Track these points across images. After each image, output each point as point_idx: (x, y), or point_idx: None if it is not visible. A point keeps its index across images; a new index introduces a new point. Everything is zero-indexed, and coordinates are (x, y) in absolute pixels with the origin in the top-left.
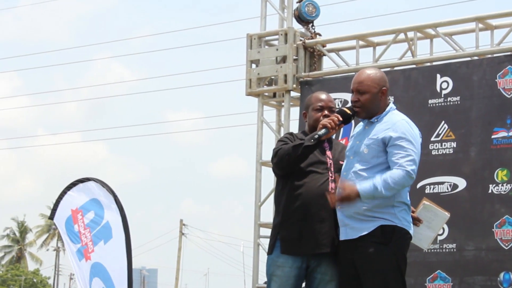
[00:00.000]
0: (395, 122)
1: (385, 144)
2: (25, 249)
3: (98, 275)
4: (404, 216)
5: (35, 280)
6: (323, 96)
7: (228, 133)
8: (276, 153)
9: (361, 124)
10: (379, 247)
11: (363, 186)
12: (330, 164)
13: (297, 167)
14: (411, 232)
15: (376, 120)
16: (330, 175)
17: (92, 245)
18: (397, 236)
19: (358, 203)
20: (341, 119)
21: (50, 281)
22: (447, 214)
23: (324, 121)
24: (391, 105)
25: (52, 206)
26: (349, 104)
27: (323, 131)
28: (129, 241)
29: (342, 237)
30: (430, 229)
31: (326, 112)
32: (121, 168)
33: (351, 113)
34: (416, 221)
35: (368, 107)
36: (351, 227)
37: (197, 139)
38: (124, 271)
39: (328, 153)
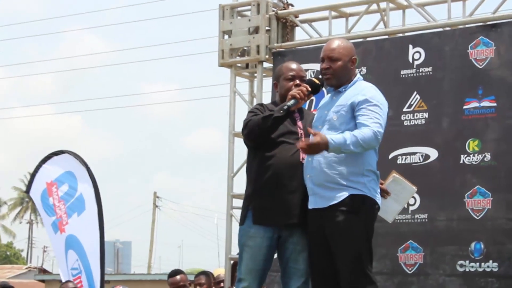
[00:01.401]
0: (362, 88)
1: (353, 110)
2: None
3: (72, 247)
4: (373, 186)
5: (8, 253)
6: (293, 65)
7: (202, 105)
8: (246, 124)
9: (327, 97)
10: (349, 216)
11: (333, 136)
12: (301, 134)
13: (268, 138)
14: (379, 202)
15: (344, 89)
16: None
17: (67, 218)
18: (366, 206)
19: (329, 170)
20: (309, 89)
21: (24, 254)
22: (414, 188)
23: (293, 91)
24: (358, 75)
25: (25, 179)
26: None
27: (292, 101)
28: (101, 213)
29: (311, 205)
30: (397, 202)
31: (297, 81)
32: (96, 140)
33: (319, 83)
34: (384, 193)
35: (339, 74)
36: (321, 196)
37: (171, 111)
38: (97, 243)
39: (299, 123)
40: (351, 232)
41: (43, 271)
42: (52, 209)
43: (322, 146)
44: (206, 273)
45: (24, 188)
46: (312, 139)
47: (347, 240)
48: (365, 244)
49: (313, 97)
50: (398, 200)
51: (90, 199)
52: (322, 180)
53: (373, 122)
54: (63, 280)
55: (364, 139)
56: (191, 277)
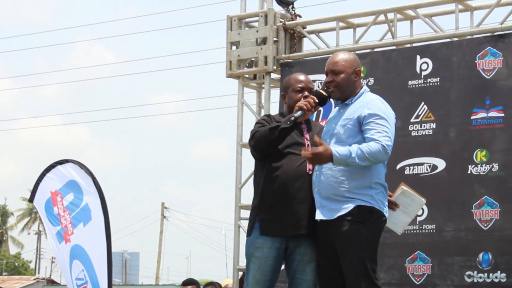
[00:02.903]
0: (369, 101)
1: (360, 123)
2: (6, 233)
3: (77, 257)
4: (381, 199)
5: (16, 264)
6: (302, 77)
7: (210, 115)
8: (253, 135)
9: (335, 110)
10: (356, 225)
11: (338, 149)
12: (308, 145)
13: (275, 149)
14: (386, 215)
15: (350, 102)
16: None
17: (72, 228)
18: (374, 217)
19: (337, 184)
20: (317, 100)
21: (32, 265)
22: (423, 200)
23: (300, 103)
24: (365, 87)
25: (31, 191)
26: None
27: (299, 113)
28: (108, 223)
29: (319, 217)
30: (406, 214)
31: (306, 93)
32: (103, 151)
33: (326, 95)
34: (393, 205)
35: (342, 87)
36: (329, 209)
37: (179, 122)
38: (104, 253)
39: (306, 134)
40: (357, 240)
41: (51, 282)
42: (57, 219)
43: (325, 157)
44: (214, 284)
45: None
46: (316, 148)
47: (354, 248)
48: (371, 254)
49: (320, 108)
50: (407, 212)
51: (97, 209)
52: (330, 193)
53: (381, 135)
54: None
55: (371, 152)
56: None
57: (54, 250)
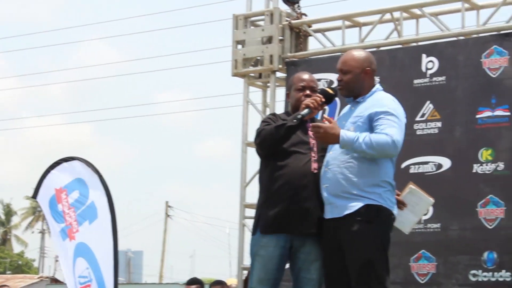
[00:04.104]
0: (380, 99)
1: (371, 121)
2: (10, 231)
3: (82, 255)
4: (389, 197)
5: (20, 263)
6: (305, 76)
7: (215, 114)
8: (259, 133)
9: (347, 107)
10: (364, 225)
11: (346, 132)
12: (313, 144)
13: (280, 148)
14: (395, 213)
15: (362, 99)
16: (313, 155)
17: (77, 225)
18: (382, 216)
19: (345, 181)
20: (323, 99)
21: (35, 264)
22: (431, 200)
23: (307, 101)
24: (377, 86)
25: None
26: (335, 84)
27: (305, 111)
28: (115, 222)
29: (328, 215)
30: (413, 214)
31: (307, 91)
32: (107, 150)
33: (333, 93)
34: (401, 204)
35: (350, 86)
36: (336, 206)
37: (184, 121)
38: (110, 252)
39: (311, 133)
40: (364, 240)
41: (54, 280)
42: (61, 216)
43: (333, 135)
44: (221, 283)
45: None
46: (326, 125)
47: (360, 248)
48: (380, 253)
49: (326, 107)
50: (415, 212)
51: (103, 207)
52: (338, 190)
53: (391, 130)
54: None
55: (378, 142)
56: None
57: (57, 247)
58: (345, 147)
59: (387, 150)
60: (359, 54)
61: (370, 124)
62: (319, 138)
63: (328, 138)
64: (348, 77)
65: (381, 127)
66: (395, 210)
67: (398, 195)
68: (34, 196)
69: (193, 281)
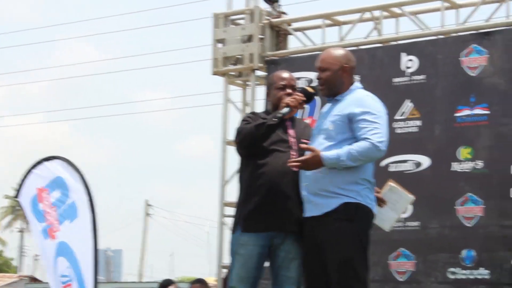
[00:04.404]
0: (359, 98)
1: (350, 120)
2: None
3: (63, 254)
4: (367, 194)
5: None
6: (285, 74)
7: (195, 113)
8: (239, 132)
9: (327, 105)
10: (342, 223)
11: (328, 152)
12: (293, 142)
13: (260, 146)
14: (374, 210)
15: (341, 97)
16: (293, 153)
17: (58, 224)
18: (360, 214)
19: (323, 179)
20: (304, 98)
21: (14, 263)
22: (411, 197)
23: (287, 99)
24: (357, 83)
25: (16, 187)
26: (315, 83)
27: (285, 109)
28: (96, 221)
29: (307, 213)
30: (393, 211)
31: (288, 90)
32: (87, 149)
33: (313, 92)
34: (381, 201)
35: (329, 84)
36: (315, 204)
37: (164, 119)
38: (91, 251)
39: (291, 131)
40: (342, 238)
41: (34, 279)
42: (42, 215)
43: (316, 162)
44: (201, 281)
45: None
46: (306, 156)
47: (339, 247)
48: (359, 251)
49: (305, 105)
50: (395, 209)
51: (84, 206)
52: (316, 189)
53: (372, 133)
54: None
55: (361, 152)
56: (183, 286)
57: (39, 247)
58: (331, 167)
59: (372, 155)
60: (337, 51)
61: (348, 122)
62: (305, 169)
63: (314, 167)
64: (326, 74)
65: (362, 131)
66: (374, 208)
67: (378, 192)
68: (17, 196)
69: (168, 282)
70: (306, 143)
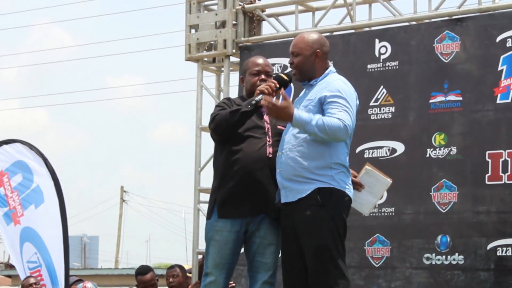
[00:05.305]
0: (331, 82)
1: (322, 103)
2: None
3: (29, 239)
4: (342, 178)
5: None
6: (259, 60)
7: (169, 99)
8: (213, 118)
9: (303, 90)
10: (316, 209)
11: (301, 112)
12: (268, 128)
13: (235, 133)
14: (350, 194)
15: (314, 82)
16: (268, 139)
17: (22, 209)
18: (335, 199)
19: (296, 164)
20: (277, 85)
21: None
22: (389, 180)
23: (261, 86)
24: (331, 68)
25: None
26: (289, 69)
27: (260, 96)
28: (63, 205)
29: (283, 199)
30: (371, 195)
31: (263, 76)
32: (62, 135)
33: (287, 79)
34: (358, 186)
35: (301, 69)
36: (290, 190)
37: (138, 105)
38: (60, 237)
39: (266, 117)
40: (317, 224)
41: (9, 266)
42: (4, 200)
43: (286, 113)
44: (180, 266)
45: None
46: (280, 102)
47: (314, 232)
48: (334, 236)
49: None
50: (373, 193)
51: (50, 191)
52: (290, 174)
53: (342, 114)
54: (20, 273)
55: (330, 126)
56: (159, 271)
57: (1, 232)
58: (297, 126)
59: (338, 134)
60: (310, 36)
61: (321, 107)
62: (272, 114)
63: (281, 115)
64: (298, 59)
65: (332, 111)
66: (350, 192)
67: (355, 176)
68: None
69: (146, 270)
70: (282, 130)
